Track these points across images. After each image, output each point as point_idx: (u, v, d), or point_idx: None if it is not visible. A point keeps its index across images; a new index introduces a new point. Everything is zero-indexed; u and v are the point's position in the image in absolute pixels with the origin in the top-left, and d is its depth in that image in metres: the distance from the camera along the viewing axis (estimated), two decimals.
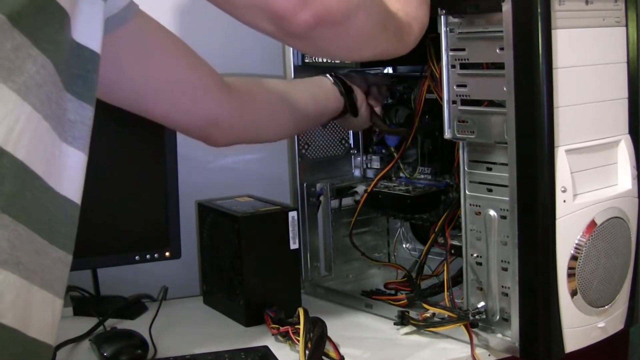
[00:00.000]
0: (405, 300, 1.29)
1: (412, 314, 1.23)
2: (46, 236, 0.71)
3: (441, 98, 1.18)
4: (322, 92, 1.30)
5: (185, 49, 1.06)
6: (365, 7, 0.95)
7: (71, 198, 0.75)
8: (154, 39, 1.01)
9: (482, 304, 1.17)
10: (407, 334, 1.23)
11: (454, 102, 1.16)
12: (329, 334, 1.15)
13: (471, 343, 1.14)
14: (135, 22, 0.95)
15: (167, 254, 1.39)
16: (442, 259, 1.30)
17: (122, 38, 0.93)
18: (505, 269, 1.13)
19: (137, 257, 1.38)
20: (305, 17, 0.88)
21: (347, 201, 1.45)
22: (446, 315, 1.19)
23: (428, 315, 1.21)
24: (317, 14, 0.88)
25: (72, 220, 0.76)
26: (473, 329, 1.15)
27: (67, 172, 0.75)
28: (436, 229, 1.26)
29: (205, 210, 1.40)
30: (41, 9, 0.70)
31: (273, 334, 1.23)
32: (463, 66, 1.14)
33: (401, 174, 1.41)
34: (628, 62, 1.18)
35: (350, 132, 1.49)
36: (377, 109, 1.38)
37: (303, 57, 1.41)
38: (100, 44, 0.79)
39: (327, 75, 1.32)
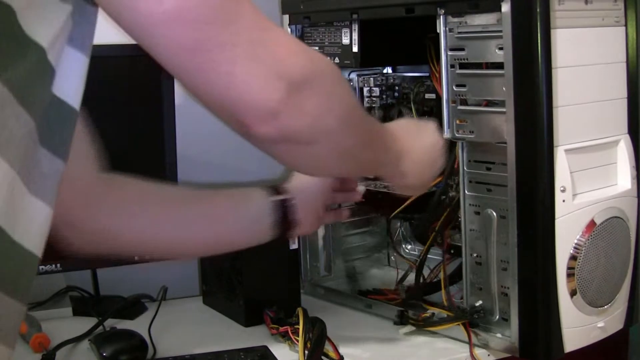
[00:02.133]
0: (405, 300, 1.29)
1: (411, 313, 1.23)
2: (7, 290, 0.69)
3: (441, 98, 1.18)
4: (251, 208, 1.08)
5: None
6: (336, 134, 0.84)
7: (34, 252, 0.73)
8: None
9: (479, 302, 1.17)
10: (406, 333, 1.22)
11: (454, 102, 1.16)
12: (329, 334, 1.15)
13: (470, 342, 1.14)
14: None
15: None
16: (442, 259, 1.30)
17: None
18: (504, 269, 1.13)
19: (136, 257, 1.37)
20: (269, 130, 0.78)
21: None
22: (445, 315, 1.19)
23: (427, 315, 1.21)
24: (282, 131, 0.78)
25: (33, 272, 0.73)
26: (473, 329, 1.15)
27: (34, 225, 0.72)
28: (436, 229, 1.26)
29: None
30: (33, 68, 0.68)
31: (272, 334, 1.22)
32: (462, 66, 1.14)
33: None
34: (627, 62, 1.18)
35: None
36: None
37: None
38: (80, 100, 0.75)
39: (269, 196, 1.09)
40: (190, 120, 1.42)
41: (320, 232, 1.43)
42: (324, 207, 1.13)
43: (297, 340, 1.14)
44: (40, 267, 1.31)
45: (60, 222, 0.91)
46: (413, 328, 1.22)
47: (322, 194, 1.12)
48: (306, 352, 1.11)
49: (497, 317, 1.15)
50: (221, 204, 1.07)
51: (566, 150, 1.08)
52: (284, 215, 1.08)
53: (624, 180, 1.18)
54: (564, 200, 1.08)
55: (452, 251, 1.24)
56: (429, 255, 1.30)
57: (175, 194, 1.06)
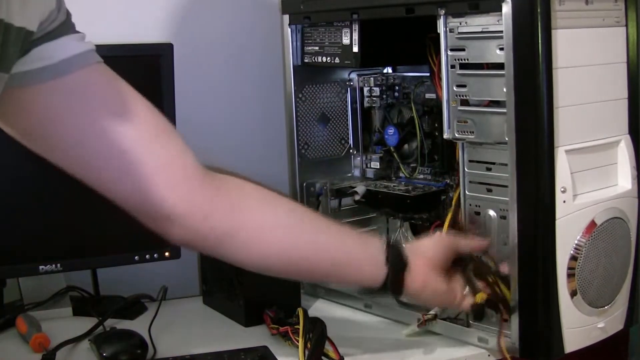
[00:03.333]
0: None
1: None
2: None
3: (441, 98, 1.18)
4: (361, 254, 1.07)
5: (149, 121, 0.93)
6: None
7: None
8: (101, 95, 0.89)
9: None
10: (406, 333, 1.22)
11: (454, 102, 1.16)
12: (329, 334, 1.14)
13: (500, 330, 1.12)
14: (83, 74, 0.87)
15: (166, 254, 1.39)
16: None
17: (63, 90, 0.86)
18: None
19: (136, 257, 1.37)
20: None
21: (346, 201, 1.45)
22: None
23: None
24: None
25: None
26: (472, 329, 1.15)
27: None
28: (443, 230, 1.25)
29: None
30: None
31: (272, 334, 1.22)
32: (463, 66, 1.14)
33: (401, 174, 1.41)
34: (628, 62, 1.18)
35: (350, 132, 1.49)
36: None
37: (302, 57, 1.41)
38: None
39: (385, 242, 1.08)
40: (190, 120, 1.42)
41: None
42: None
43: (297, 340, 1.14)
44: (40, 267, 1.31)
45: (160, 215, 0.94)
46: (413, 328, 1.22)
47: (434, 268, 1.10)
48: (306, 352, 1.11)
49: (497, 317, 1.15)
50: (341, 237, 1.07)
51: (567, 151, 1.08)
52: (399, 256, 1.07)
53: (625, 181, 1.18)
54: (564, 201, 1.08)
55: None
56: None
57: (302, 210, 1.09)
